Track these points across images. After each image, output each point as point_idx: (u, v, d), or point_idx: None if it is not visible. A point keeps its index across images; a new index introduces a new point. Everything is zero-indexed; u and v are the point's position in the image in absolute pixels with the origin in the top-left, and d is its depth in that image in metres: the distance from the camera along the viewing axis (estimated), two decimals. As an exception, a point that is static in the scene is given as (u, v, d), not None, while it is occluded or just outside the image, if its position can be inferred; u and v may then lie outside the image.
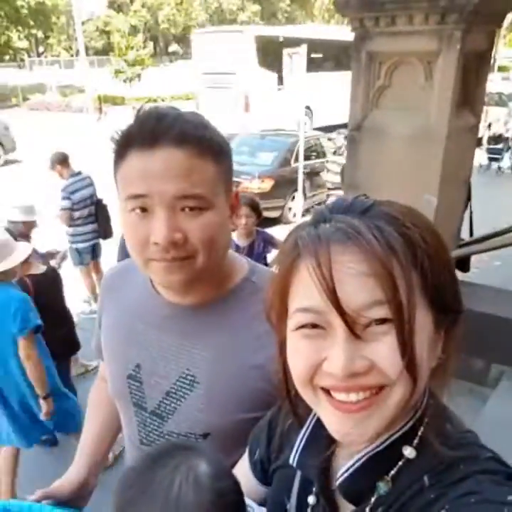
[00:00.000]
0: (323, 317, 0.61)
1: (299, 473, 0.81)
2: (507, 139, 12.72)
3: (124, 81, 29.08)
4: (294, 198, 8.87)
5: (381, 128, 3.17)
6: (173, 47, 56.18)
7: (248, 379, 1.06)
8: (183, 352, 1.12)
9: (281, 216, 8.71)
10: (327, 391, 0.64)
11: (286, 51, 8.30)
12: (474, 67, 3.13)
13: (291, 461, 0.79)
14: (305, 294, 0.62)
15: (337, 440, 0.74)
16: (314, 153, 9.77)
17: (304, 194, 9.42)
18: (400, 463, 0.67)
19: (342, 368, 0.59)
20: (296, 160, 8.76)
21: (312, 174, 9.50)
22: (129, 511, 0.77)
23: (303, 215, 9.38)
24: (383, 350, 0.59)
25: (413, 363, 0.60)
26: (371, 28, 3.04)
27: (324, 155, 9.83)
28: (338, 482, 0.71)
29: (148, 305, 1.18)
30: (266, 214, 5.60)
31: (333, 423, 0.65)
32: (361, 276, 0.58)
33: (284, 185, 8.56)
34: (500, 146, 12.59)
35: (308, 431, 0.79)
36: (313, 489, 0.78)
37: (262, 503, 0.94)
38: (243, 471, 0.98)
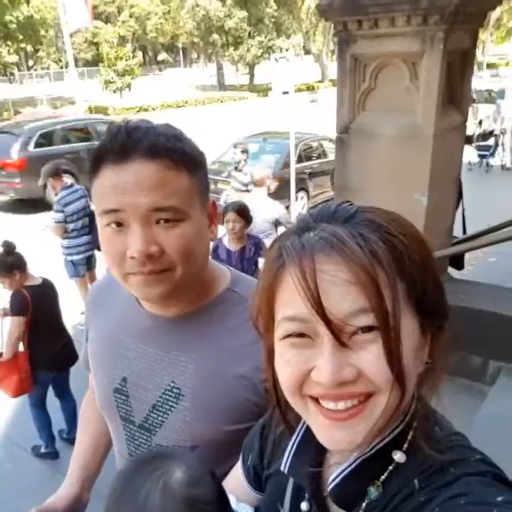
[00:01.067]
0: (310, 326, 0.61)
1: (291, 480, 0.82)
2: (496, 135, 12.73)
3: (114, 91, 29.14)
4: (297, 198, 8.99)
5: (369, 130, 3.19)
6: (162, 55, 56.34)
7: (233, 390, 1.06)
8: (168, 364, 1.11)
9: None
10: (316, 399, 0.64)
11: (273, 56, 8.36)
12: (458, 66, 3.16)
13: (282, 468, 0.79)
14: (291, 302, 0.62)
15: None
16: (315, 154, 9.94)
17: (308, 194, 9.54)
18: (390, 467, 0.67)
19: (330, 377, 0.59)
20: (299, 161, 8.88)
21: (315, 174, 9.64)
22: None
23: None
24: (370, 359, 0.60)
25: (400, 370, 0.60)
26: (355, 31, 3.06)
27: (325, 155, 9.96)
28: (329, 488, 0.71)
29: (132, 318, 1.18)
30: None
31: (323, 431, 0.65)
32: (346, 285, 0.58)
33: (289, 186, 8.66)
34: (489, 142, 12.64)
35: (299, 438, 0.79)
36: (306, 496, 0.78)
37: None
38: (237, 477, 0.99)
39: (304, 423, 0.78)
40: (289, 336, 0.64)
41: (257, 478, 0.94)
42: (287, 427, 0.80)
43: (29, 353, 3.40)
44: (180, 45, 51.83)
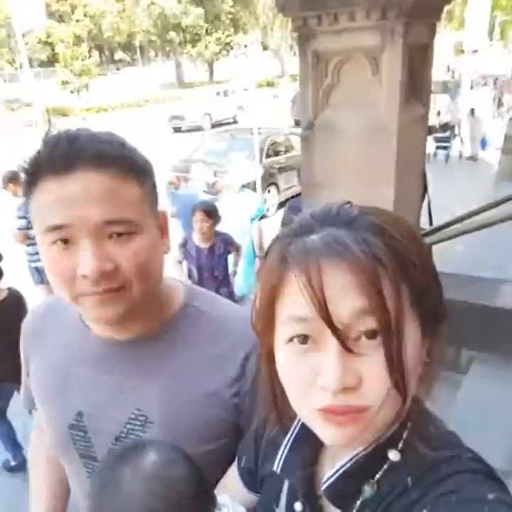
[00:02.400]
0: (316, 327, 0.62)
1: (287, 481, 0.82)
2: (453, 126, 12.98)
3: (72, 92, 28.60)
4: (269, 191, 9.07)
5: (333, 125, 3.19)
6: (119, 54, 55.47)
7: (203, 409, 1.00)
8: (129, 392, 1.04)
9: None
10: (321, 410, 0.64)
11: (232, 52, 8.35)
12: (418, 59, 3.18)
13: (275, 467, 0.80)
14: (297, 304, 0.62)
15: (322, 446, 0.77)
16: (283, 149, 10.00)
17: (278, 188, 9.61)
18: (385, 466, 0.68)
19: (335, 380, 0.60)
20: (267, 156, 8.90)
21: (284, 169, 9.72)
22: (94, 506, 0.84)
23: (277, 209, 9.49)
24: (372, 366, 0.61)
25: (402, 379, 0.61)
26: (314, 26, 3.04)
27: (294, 149, 10.10)
28: (323, 487, 0.72)
29: (82, 346, 1.09)
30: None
31: (329, 436, 0.66)
32: (350, 289, 0.59)
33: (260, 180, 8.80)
34: (447, 134, 12.90)
35: (292, 438, 0.80)
36: (299, 496, 0.79)
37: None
38: (233, 479, 0.99)
39: (298, 423, 0.79)
40: (292, 340, 0.64)
41: (252, 480, 0.94)
42: (281, 426, 0.80)
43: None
44: (137, 44, 51.10)
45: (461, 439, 0.72)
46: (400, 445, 0.68)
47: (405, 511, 0.64)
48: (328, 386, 0.60)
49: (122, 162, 0.90)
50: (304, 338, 0.63)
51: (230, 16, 43.90)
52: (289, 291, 0.64)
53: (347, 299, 0.59)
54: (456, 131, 13.10)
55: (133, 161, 0.93)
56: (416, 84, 3.27)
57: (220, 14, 42.85)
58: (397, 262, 0.61)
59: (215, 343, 1.04)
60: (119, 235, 0.90)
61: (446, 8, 3.83)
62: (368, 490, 0.68)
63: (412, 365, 0.62)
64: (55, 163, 0.87)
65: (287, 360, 0.66)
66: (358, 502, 0.69)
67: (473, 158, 12.91)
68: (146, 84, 38.03)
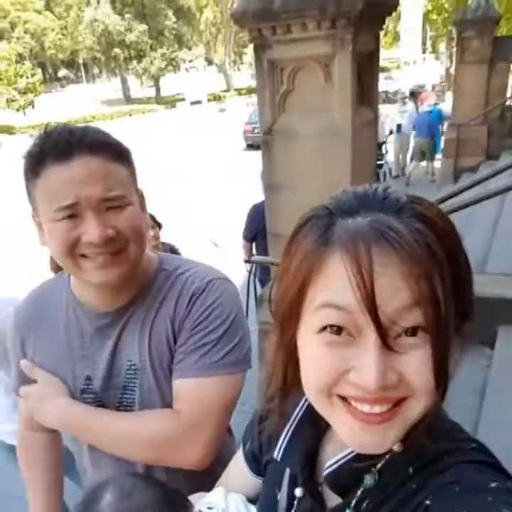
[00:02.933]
0: (354, 320, 0.58)
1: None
2: (381, 144, 12.00)
3: (18, 109, 27.99)
4: None
5: (291, 130, 3.35)
6: (63, 72, 54.62)
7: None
8: (123, 347, 1.22)
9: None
10: (345, 399, 0.62)
11: (183, 66, 8.44)
12: (367, 67, 3.38)
13: (275, 455, 0.82)
14: (338, 291, 0.58)
15: (323, 434, 0.78)
16: None
17: None
18: (387, 456, 0.68)
19: (375, 382, 0.57)
20: None
21: None
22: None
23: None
24: (414, 365, 0.58)
25: (443, 375, 0.59)
26: (269, 37, 3.21)
27: None
28: (324, 474, 0.73)
29: (80, 320, 1.25)
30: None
31: (351, 434, 0.63)
32: (400, 279, 0.56)
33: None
34: (382, 151, 12.02)
35: (294, 426, 0.81)
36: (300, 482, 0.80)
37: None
38: (238, 464, 1.02)
39: (299, 411, 0.80)
40: (324, 329, 0.60)
41: (256, 464, 0.97)
42: (282, 415, 0.80)
43: None
44: (80, 61, 50.41)
45: (464, 430, 0.71)
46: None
47: (406, 501, 0.63)
48: (365, 385, 0.57)
49: (112, 148, 1.11)
50: (338, 329, 0.59)
51: (173, 32, 44.01)
52: (330, 275, 0.59)
53: (395, 293, 0.56)
54: (383, 149, 12.14)
55: (119, 147, 1.13)
56: (365, 91, 3.47)
57: (163, 30, 42.90)
58: (447, 255, 0.58)
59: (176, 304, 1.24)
60: (115, 207, 1.09)
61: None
62: (369, 479, 0.68)
63: (450, 359, 0.60)
64: (58, 152, 1.03)
65: (317, 351, 0.62)
66: (359, 491, 0.69)
67: (399, 177, 12.42)
68: (92, 101, 37.55)
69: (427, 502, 0.60)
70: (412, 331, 0.57)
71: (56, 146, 1.03)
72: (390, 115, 13.54)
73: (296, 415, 0.81)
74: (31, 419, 1.30)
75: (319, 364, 0.61)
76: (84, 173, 1.03)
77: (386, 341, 0.56)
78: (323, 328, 0.60)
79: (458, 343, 0.65)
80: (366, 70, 3.44)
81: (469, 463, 0.63)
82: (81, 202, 1.03)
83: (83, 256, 1.08)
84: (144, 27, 41.27)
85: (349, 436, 0.64)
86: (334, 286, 0.58)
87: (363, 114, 3.47)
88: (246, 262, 4.90)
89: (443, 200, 3.87)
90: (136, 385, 1.20)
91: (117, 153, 1.11)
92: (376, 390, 0.57)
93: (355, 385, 0.59)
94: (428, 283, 0.55)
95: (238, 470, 1.01)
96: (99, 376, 1.22)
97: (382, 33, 3.63)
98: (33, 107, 28.51)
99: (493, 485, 0.57)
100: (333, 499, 0.74)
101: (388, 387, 0.58)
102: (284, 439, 0.81)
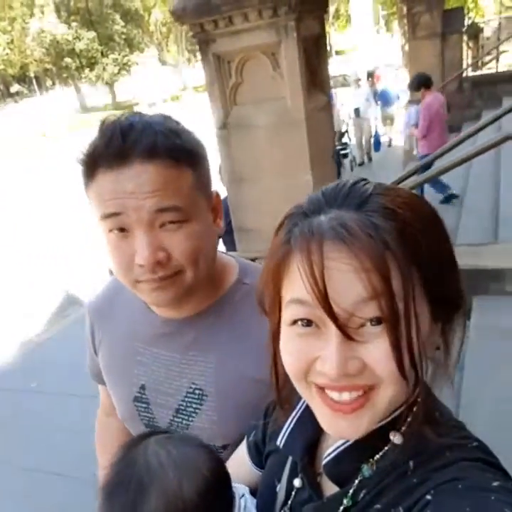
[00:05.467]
0: (317, 314, 0.60)
1: (290, 458, 0.84)
2: (343, 133, 11.69)
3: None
4: None
5: (245, 122, 3.33)
6: (15, 87, 53.61)
7: (255, 391, 1.01)
8: (186, 366, 1.10)
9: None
10: (321, 388, 0.64)
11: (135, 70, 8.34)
12: (314, 51, 3.38)
13: (278, 442, 0.82)
14: (299, 288, 0.60)
15: None
16: None
17: None
18: (386, 448, 0.68)
19: (335, 370, 0.59)
20: None
21: None
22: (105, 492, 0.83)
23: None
24: (376, 353, 0.59)
25: (407, 364, 0.59)
26: (212, 30, 3.18)
27: None
28: (323, 463, 0.73)
29: (143, 324, 1.15)
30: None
31: (326, 420, 0.66)
32: (352, 274, 0.57)
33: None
34: (346, 139, 11.72)
35: (298, 415, 0.82)
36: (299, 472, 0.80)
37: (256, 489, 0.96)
38: (240, 454, 1.01)
39: (304, 402, 0.79)
40: (295, 322, 0.63)
41: (258, 455, 0.96)
42: (282, 407, 0.81)
43: None
44: (31, 74, 49.54)
45: (467, 428, 0.71)
46: (403, 428, 0.67)
47: (405, 494, 0.63)
48: (327, 374, 0.60)
49: (175, 152, 0.92)
50: (308, 322, 0.62)
51: (123, 36, 43.47)
52: (292, 273, 0.61)
53: (349, 287, 0.57)
54: (346, 137, 11.73)
55: (185, 149, 0.95)
56: (315, 75, 3.47)
57: (113, 35, 42.28)
58: (407, 246, 0.58)
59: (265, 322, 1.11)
60: (171, 223, 0.93)
61: (332, 8, 4.06)
62: (366, 469, 0.68)
63: (420, 350, 0.60)
64: (110, 157, 0.90)
65: (290, 342, 0.65)
66: (357, 481, 0.69)
67: (364, 163, 11.55)
68: (47, 114, 36.96)
69: (428, 497, 0.59)
70: (377, 320, 0.58)
71: (108, 151, 0.90)
72: (345, 103, 13.16)
73: (301, 405, 0.82)
74: (108, 405, 1.28)
75: (292, 353, 0.65)
76: (134, 183, 0.89)
77: (346, 332, 0.58)
78: (295, 322, 0.63)
79: (449, 329, 0.66)
80: (314, 54, 3.43)
81: (472, 460, 0.63)
82: (128, 213, 0.90)
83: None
84: (92, 34, 40.60)
85: (324, 422, 0.66)
86: (296, 283, 0.60)
87: (315, 99, 3.47)
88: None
89: (405, 178, 3.91)
90: (195, 411, 1.09)
91: (182, 155, 0.93)
92: (338, 377, 0.59)
93: (321, 373, 0.61)
94: (381, 277, 0.56)
95: (238, 459, 1.01)
96: (153, 389, 1.13)
97: (334, 16, 3.60)
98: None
99: (495, 484, 0.58)
100: (331, 489, 0.74)
101: (351, 375, 0.59)
102: (288, 427, 0.82)
